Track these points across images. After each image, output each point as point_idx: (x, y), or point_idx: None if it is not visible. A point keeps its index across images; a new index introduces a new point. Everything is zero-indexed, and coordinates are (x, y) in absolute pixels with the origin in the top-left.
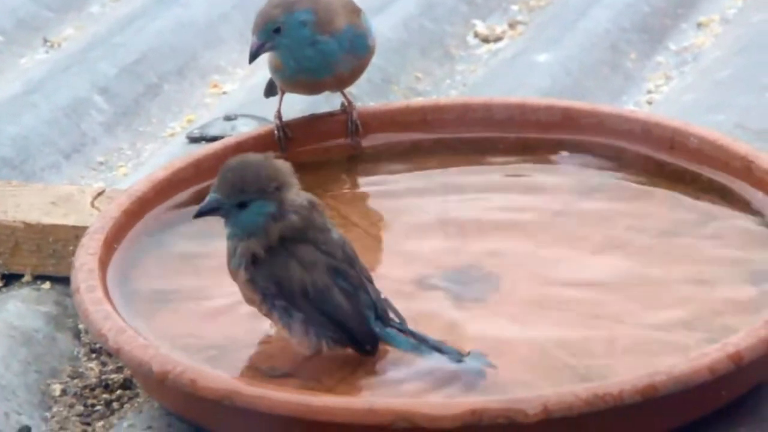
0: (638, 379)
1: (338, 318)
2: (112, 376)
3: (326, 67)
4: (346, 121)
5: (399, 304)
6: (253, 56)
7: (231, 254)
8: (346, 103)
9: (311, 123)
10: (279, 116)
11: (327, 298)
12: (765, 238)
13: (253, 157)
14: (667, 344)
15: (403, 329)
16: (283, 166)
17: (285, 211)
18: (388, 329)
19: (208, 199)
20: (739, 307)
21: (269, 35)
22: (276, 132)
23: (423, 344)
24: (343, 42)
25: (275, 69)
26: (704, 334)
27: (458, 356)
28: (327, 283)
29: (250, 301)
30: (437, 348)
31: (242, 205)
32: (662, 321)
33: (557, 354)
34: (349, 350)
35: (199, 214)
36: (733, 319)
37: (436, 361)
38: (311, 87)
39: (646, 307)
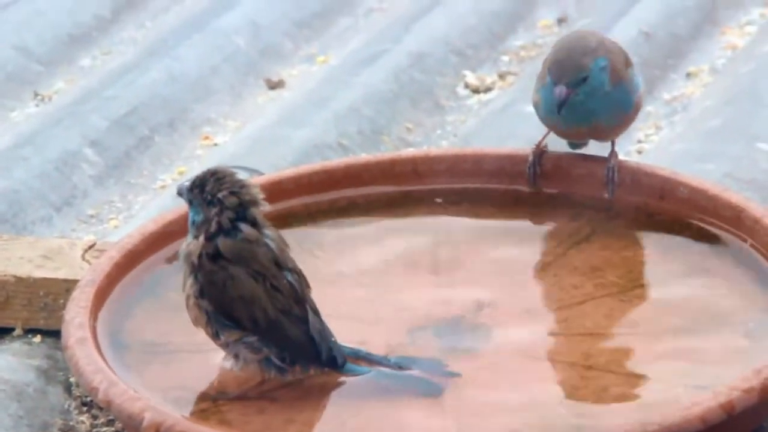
0: (631, 429)
1: (291, 342)
2: (103, 429)
3: (588, 117)
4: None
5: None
6: (562, 105)
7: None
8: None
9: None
10: (537, 149)
11: (277, 325)
12: (755, 288)
13: (232, 171)
14: (660, 394)
15: (358, 355)
16: (248, 185)
17: (216, 226)
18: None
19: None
20: (731, 356)
21: (579, 84)
22: (529, 165)
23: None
24: (629, 93)
25: (534, 105)
26: (696, 383)
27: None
28: (275, 311)
29: (195, 321)
30: (399, 366)
31: (190, 203)
32: (654, 371)
33: (549, 404)
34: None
35: (178, 193)
36: (725, 368)
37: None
38: (564, 133)
39: (637, 357)
